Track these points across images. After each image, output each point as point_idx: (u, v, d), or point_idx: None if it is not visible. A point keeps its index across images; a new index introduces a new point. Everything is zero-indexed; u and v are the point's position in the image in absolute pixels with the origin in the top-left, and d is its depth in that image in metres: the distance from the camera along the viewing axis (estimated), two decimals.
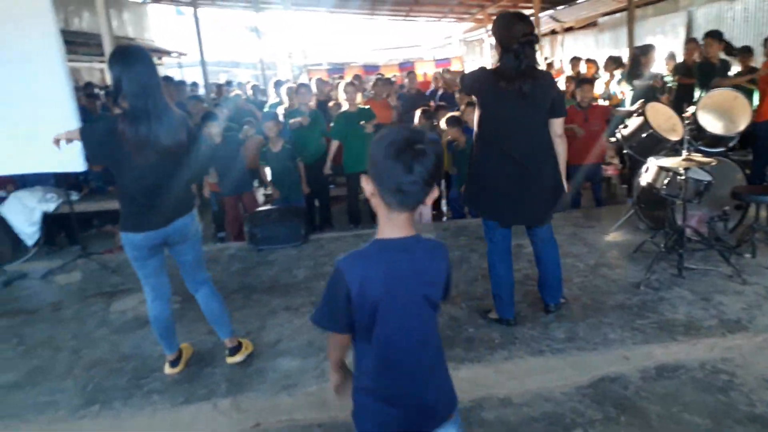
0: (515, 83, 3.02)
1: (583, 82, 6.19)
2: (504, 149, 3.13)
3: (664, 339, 3.13)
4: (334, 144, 5.94)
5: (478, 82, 3.18)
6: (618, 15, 14.15)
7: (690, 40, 7.52)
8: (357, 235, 5.46)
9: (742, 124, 4.57)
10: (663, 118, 4.51)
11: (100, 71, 12.20)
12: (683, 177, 3.82)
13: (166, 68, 18.64)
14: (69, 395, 2.96)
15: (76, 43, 11.45)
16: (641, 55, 6.01)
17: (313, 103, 6.48)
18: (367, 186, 1.49)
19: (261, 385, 2.94)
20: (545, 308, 3.49)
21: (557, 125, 3.18)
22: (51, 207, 5.55)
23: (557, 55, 16.65)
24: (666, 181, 3.96)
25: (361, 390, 1.62)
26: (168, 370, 3.13)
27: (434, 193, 1.49)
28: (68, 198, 5.26)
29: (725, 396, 2.62)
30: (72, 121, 3.96)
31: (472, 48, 24.71)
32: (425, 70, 19.75)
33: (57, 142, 2.89)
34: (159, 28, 18.92)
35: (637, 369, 2.89)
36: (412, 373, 1.59)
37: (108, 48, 3.58)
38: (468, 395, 2.77)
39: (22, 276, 4.83)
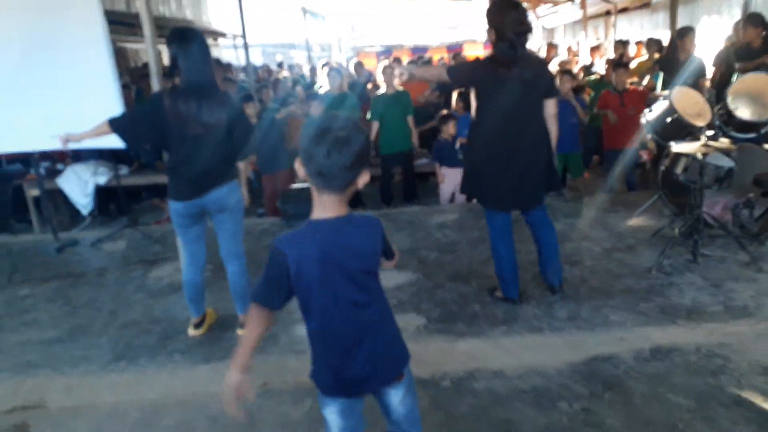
0: (514, 70, 3.11)
1: (619, 65, 6.11)
2: (504, 136, 3.23)
3: (664, 322, 3.18)
4: (374, 125, 6.11)
5: (473, 73, 3.28)
6: None
7: (739, 23, 7.23)
8: (384, 214, 5.63)
9: None
10: (690, 102, 4.45)
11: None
12: (701, 163, 3.79)
13: (222, 49, 19.17)
14: (102, 351, 3.28)
15: (136, 24, 11.95)
16: (678, 38, 5.88)
17: (345, 86, 6.64)
18: (299, 169, 1.62)
19: (272, 348, 3.18)
20: (551, 289, 3.57)
21: (551, 105, 3.29)
22: (102, 180, 5.95)
23: (610, 36, 16.14)
24: (684, 167, 3.94)
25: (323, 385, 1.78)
26: (191, 331, 3.41)
27: (365, 177, 1.63)
28: (116, 172, 5.63)
29: (715, 379, 2.68)
30: (115, 104, 4.25)
31: None
32: (475, 52, 19.56)
33: (65, 141, 3.20)
34: (216, 10, 19.42)
35: (632, 350, 2.96)
36: (349, 335, 1.71)
37: (147, 30, 3.83)
38: (463, 366, 2.92)
39: (74, 243, 5.24)
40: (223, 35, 16.87)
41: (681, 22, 13.63)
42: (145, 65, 10.48)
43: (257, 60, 29.12)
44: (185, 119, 2.93)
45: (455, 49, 19.66)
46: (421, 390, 2.76)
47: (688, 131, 4.40)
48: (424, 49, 19.83)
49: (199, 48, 2.94)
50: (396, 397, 1.84)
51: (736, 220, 4.31)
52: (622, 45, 8.39)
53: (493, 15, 3.13)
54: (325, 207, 1.63)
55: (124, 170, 6.20)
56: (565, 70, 6.18)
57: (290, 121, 7.07)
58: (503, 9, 3.10)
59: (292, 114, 7.28)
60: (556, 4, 16.47)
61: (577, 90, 6.59)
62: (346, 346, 1.72)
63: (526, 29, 3.09)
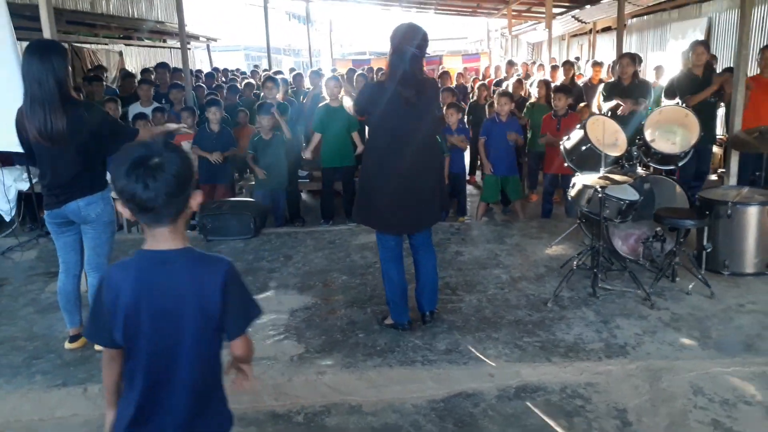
0: (405, 91, 3.09)
1: (558, 90, 6.10)
2: (393, 159, 3.18)
3: (539, 359, 3.12)
4: (315, 137, 6.04)
5: (371, 97, 3.24)
6: (645, 17, 13.72)
7: (687, 50, 7.26)
8: (310, 232, 5.56)
9: (691, 142, 4.44)
10: (607, 132, 4.42)
11: (119, 54, 12.59)
12: (603, 195, 3.75)
13: (194, 53, 19.10)
14: None
15: (97, 26, 11.87)
16: (617, 62, 5.89)
17: (280, 96, 6.58)
18: (123, 211, 1.49)
19: None
20: (421, 317, 3.51)
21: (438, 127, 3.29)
22: (25, 186, 5.83)
23: (585, 56, 16.22)
24: (587, 198, 3.90)
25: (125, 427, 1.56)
26: (67, 345, 3.34)
27: (197, 198, 1.52)
28: (30, 177, 5.52)
29: (567, 421, 2.61)
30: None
31: (510, 44, 24.33)
32: (453, 65, 19.60)
33: None
34: (192, 12, 19.34)
35: (498, 387, 2.89)
36: (175, 392, 1.54)
37: (45, 23, 3.78)
38: (322, 400, 2.84)
39: (21, 244, 5.14)
40: (196, 38, 16.80)
41: (651, 45, 13.79)
42: (98, 67, 10.35)
43: (240, 64, 29.11)
44: (34, 134, 2.93)
45: (434, 62, 19.74)
46: (272, 425, 2.69)
47: (602, 161, 4.37)
48: (435, 58, 19.86)
49: (41, 61, 2.89)
50: None
51: (647, 253, 4.28)
52: (570, 66, 8.36)
53: (393, 37, 3.15)
54: (156, 239, 1.50)
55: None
56: (503, 92, 6.15)
57: (238, 131, 7.02)
58: (402, 32, 3.14)
59: (240, 123, 7.24)
60: (538, 21, 16.56)
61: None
62: (152, 396, 1.54)
63: (420, 53, 3.11)
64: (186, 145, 6.06)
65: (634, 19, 14.41)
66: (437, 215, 3.43)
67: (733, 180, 4.94)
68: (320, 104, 6.28)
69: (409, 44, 3.10)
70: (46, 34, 3.94)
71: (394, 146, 3.19)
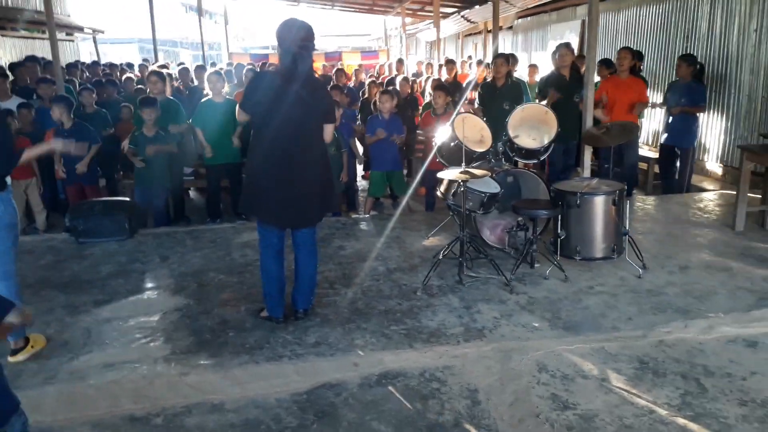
0: (292, 86, 3.14)
1: (438, 88, 6.32)
2: (279, 152, 3.22)
3: (402, 346, 3.26)
4: (199, 132, 5.90)
5: (256, 91, 3.26)
6: (529, 19, 14.47)
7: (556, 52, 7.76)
8: (191, 231, 5.44)
9: (551, 137, 4.77)
10: (472, 129, 4.66)
11: None
12: (464, 188, 3.96)
13: (79, 44, 17.99)
14: None
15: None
16: (491, 62, 6.19)
17: (168, 91, 6.37)
18: None
19: None
20: (294, 313, 3.57)
21: (329, 132, 3.38)
22: None
23: (480, 55, 16.87)
24: (453, 192, 4.10)
25: None
26: (11, 358, 3.17)
27: None
28: None
29: (422, 404, 2.75)
30: None
31: (412, 41, 24.81)
32: (353, 62, 19.72)
33: None
34: (77, 2, 18.21)
35: (361, 376, 3.00)
36: None
37: None
38: (184, 400, 2.81)
39: None
40: (80, 29, 15.83)
41: (535, 45, 14.54)
42: None
43: (134, 57, 27.69)
44: None
45: (334, 58, 19.78)
46: (129, 429, 2.64)
47: (469, 156, 4.61)
48: (334, 54, 19.81)
49: None
50: None
51: (512, 242, 4.56)
52: (452, 64, 8.69)
53: (279, 31, 3.18)
54: None
55: None
56: (384, 90, 6.30)
57: (121, 126, 6.71)
58: (288, 26, 3.16)
59: (123, 119, 6.93)
60: (431, 20, 16.99)
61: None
62: None
63: (308, 45, 3.16)
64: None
65: (520, 20, 15.19)
66: (320, 214, 3.48)
67: (586, 173, 5.36)
68: (203, 99, 6.17)
69: (296, 41, 3.14)
70: None
71: (278, 140, 3.22)
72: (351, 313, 3.67)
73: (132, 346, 3.30)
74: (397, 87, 7.70)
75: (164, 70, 7.72)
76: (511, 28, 16.14)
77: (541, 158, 4.95)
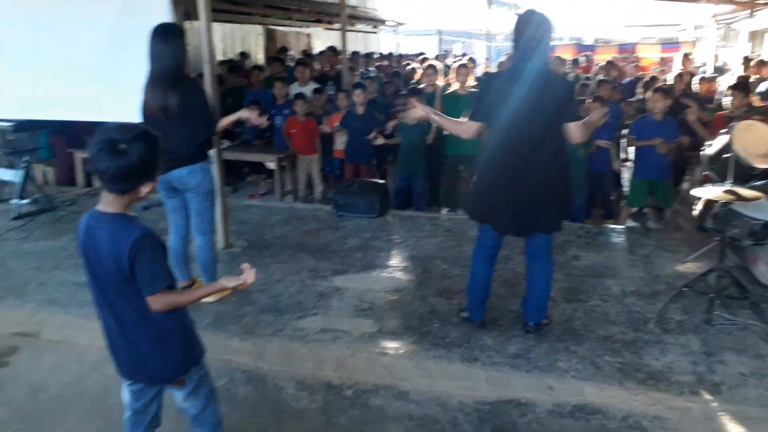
0: (521, 87, 2.99)
1: (736, 87, 5.35)
2: (508, 156, 3.10)
3: (611, 381, 2.88)
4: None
5: (483, 94, 3.19)
6: None
7: None
8: (432, 218, 5.63)
9: None
10: (761, 140, 3.81)
11: (307, 36, 13.64)
12: (731, 212, 3.28)
13: (382, 36, 19.93)
14: None
15: (291, 9, 12.96)
16: None
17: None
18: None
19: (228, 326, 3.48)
20: (524, 326, 3.38)
21: (573, 131, 3.05)
22: None
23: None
24: (714, 214, 3.44)
25: None
26: None
27: (147, 187, 1.82)
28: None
29: None
30: None
31: (729, 34, 21.45)
32: (650, 54, 17.95)
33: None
34: None
35: (554, 402, 2.76)
36: (108, 329, 1.94)
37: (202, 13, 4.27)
38: (376, 380, 2.96)
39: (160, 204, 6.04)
40: (382, 22, 17.50)
41: None
42: (282, 49, 11.27)
43: (433, 49, 29.59)
44: (148, 104, 3.38)
45: (627, 50, 18.22)
46: (324, 393, 2.89)
47: (748, 172, 3.81)
48: (591, 47, 18.63)
49: (161, 41, 3.33)
50: (178, 397, 2.06)
51: None
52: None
53: (516, 26, 3.05)
54: (103, 201, 1.84)
55: (224, 144, 6.91)
56: (657, 88, 5.56)
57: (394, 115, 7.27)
58: (525, 21, 3.01)
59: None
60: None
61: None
62: (108, 338, 1.94)
63: (541, 44, 2.97)
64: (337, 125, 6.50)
65: None
66: (555, 222, 3.21)
67: None
68: (447, 91, 6.20)
69: (530, 37, 2.97)
70: (202, 17, 4.44)
71: (507, 144, 3.08)
72: (563, 331, 3.38)
73: (348, 317, 3.58)
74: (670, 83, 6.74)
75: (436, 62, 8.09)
76: None
77: None
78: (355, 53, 10.00)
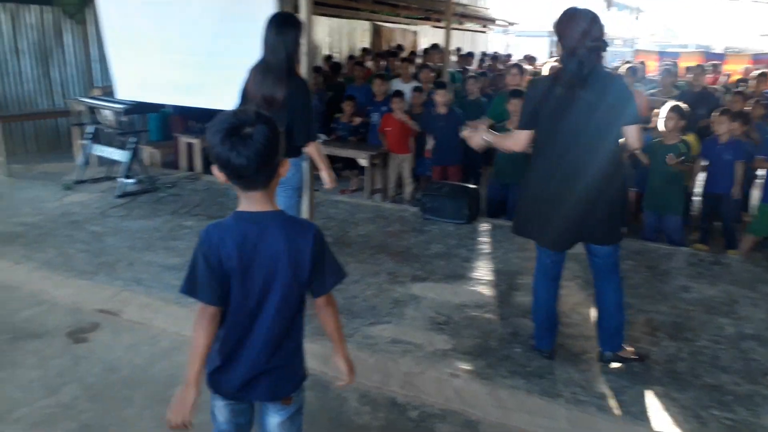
0: (576, 92, 2.70)
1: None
2: (559, 165, 2.82)
3: None
4: None
5: (532, 100, 2.90)
6: None
7: None
8: None
9: None
10: None
11: (413, 33, 13.50)
12: None
13: (492, 36, 19.45)
14: None
15: (399, 6, 12.89)
16: None
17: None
18: (218, 175, 1.60)
19: None
20: (599, 354, 3.04)
21: (631, 135, 2.75)
22: None
23: None
24: None
25: (209, 374, 1.72)
26: None
27: (285, 165, 1.63)
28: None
29: None
30: None
31: None
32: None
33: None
34: None
35: None
36: (255, 341, 1.67)
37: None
38: (444, 404, 2.74)
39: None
40: (492, 21, 17.05)
41: None
42: (399, 47, 11.26)
43: (543, 51, 28.59)
44: (251, 91, 3.35)
45: (762, 60, 16.53)
46: (387, 411, 2.72)
47: None
48: (720, 56, 17.06)
49: (278, 31, 3.26)
50: (274, 419, 1.78)
51: None
52: None
53: (560, 26, 2.74)
54: (250, 202, 1.64)
55: (320, 138, 6.93)
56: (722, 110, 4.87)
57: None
58: (569, 18, 2.70)
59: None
60: None
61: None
62: (236, 345, 1.70)
63: (597, 45, 2.65)
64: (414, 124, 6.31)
65: None
66: (613, 232, 2.88)
67: None
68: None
69: (580, 36, 2.65)
70: (303, 10, 4.39)
71: (559, 148, 2.79)
72: (664, 373, 2.98)
73: (422, 329, 3.37)
74: None
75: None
76: None
77: None
78: (458, 51, 9.71)
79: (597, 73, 2.69)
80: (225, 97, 4.74)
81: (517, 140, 2.95)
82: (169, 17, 5.44)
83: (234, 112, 1.60)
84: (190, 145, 7.13)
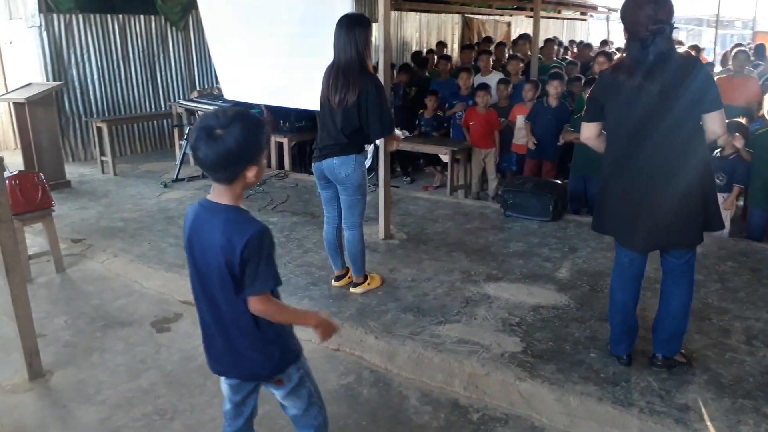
0: (644, 79, 2.50)
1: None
2: (631, 159, 2.63)
3: None
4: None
5: (600, 93, 2.70)
6: None
7: None
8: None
9: None
10: None
11: (507, 24, 13.15)
12: None
13: (592, 24, 18.58)
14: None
15: None
16: None
17: None
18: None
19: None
20: (651, 357, 2.82)
21: (713, 122, 2.52)
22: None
23: None
24: None
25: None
26: (333, 282, 3.87)
27: (252, 171, 1.72)
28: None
29: None
30: None
31: None
32: None
33: None
34: None
35: None
36: (206, 324, 1.86)
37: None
38: (509, 408, 2.67)
39: None
40: (594, 8, 16.26)
41: None
42: (487, 39, 11.07)
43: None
44: (323, 91, 3.44)
45: None
46: (448, 411, 2.69)
47: None
48: None
49: (347, 32, 3.31)
50: (277, 395, 1.99)
51: None
52: None
53: (625, 12, 2.55)
54: (214, 192, 1.77)
55: (403, 135, 6.93)
56: None
57: None
58: (638, 4, 2.49)
59: None
60: None
61: None
62: (204, 332, 1.89)
63: (661, 28, 2.43)
64: (520, 119, 6.10)
65: None
66: (694, 233, 2.63)
67: None
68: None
69: (645, 19, 2.45)
70: (381, 6, 4.40)
71: (635, 144, 2.60)
72: (756, 386, 2.70)
73: (492, 330, 3.27)
74: None
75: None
76: None
77: None
78: (548, 40, 9.35)
79: (668, 57, 2.48)
80: (307, 97, 4.90)
81: (588, 135, 2.81)
82: (258, 20, 5.67)
83: (215, 113, 1.71)
84: (279, 144, 7.39)
